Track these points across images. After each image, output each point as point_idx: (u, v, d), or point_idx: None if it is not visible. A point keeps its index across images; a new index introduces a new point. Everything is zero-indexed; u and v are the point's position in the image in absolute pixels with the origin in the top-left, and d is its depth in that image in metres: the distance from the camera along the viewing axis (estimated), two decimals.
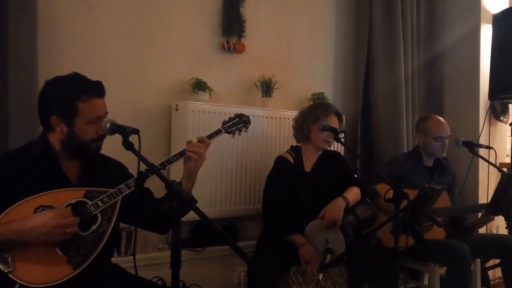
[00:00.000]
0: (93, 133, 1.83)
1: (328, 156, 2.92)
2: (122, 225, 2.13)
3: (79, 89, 1.80)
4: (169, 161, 1.94)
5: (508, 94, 3.72)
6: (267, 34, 3.39)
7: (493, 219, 3.19)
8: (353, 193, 2.76)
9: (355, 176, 3.00)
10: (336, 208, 2.59)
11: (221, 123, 2.17)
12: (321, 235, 2.60)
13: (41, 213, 1.67)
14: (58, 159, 1.84)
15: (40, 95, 1.86)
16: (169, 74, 2.95)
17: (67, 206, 1.73)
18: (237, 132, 2.20)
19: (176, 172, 2.64)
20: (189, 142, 2.00)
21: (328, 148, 2.94)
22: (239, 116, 2.21)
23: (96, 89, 1.84)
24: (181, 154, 1.97)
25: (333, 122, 2.79)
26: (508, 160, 4.12)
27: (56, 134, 1.82)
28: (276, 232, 2.72)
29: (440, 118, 3.24)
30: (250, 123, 2.23)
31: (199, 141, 2.01)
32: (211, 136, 2.07)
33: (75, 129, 1.80)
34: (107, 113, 1.88)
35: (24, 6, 2.33)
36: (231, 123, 2.18)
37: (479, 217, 3.19)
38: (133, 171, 1.76)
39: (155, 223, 2.03)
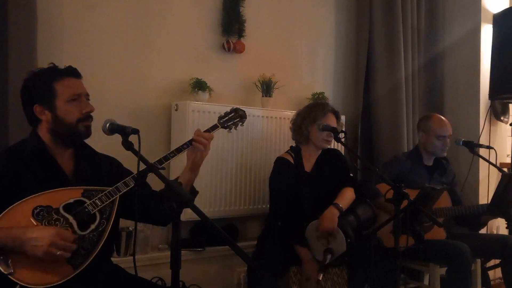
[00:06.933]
0: (78, 113, 1.83)
1: (327, 155, 2.91)
2: (121, 225, 2.12)
3: (53, 73, 1.85)
4: (166, 158, 1.92)
5: (508, 94, 3.71)
6: (267, 34, 3.38)
7: None
8: (346, 197, 2.76)
9: (351, 175, 2.99)
10: (330, 218, 2.59)
11: (217, 118, 2.16)
12: None
13: (43, 227, 1.66)
14: (51, 153, 1.84)
15: (20, 91, 1.87)
16: (169, 74, 2.95)
17: (65, 205, 1.72)
18: (233, 126, 2.17)
19: (177, 171, 2.63)
20: (198, 131, 2.01)
21: (328, 147, 2.93)
22: (235, 110, 2.19)
23: (70, 71, 1.88)
24: (189, 143, 1.97)
25: (331, 120, 2.80)
26: (508, 160, 4.11)
27: (43, 124, 1.83)
28: (286, 234, 2.69)
29: (442, 117, 3.25)
30: (246, 117, 2.21)
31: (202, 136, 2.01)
32: (207, 131, 2.06)
33: (58, 112, 1.80)
34: (87, 94, 1.89)
35: (24, 6, 2.33)
36: (227, 117, 2.16)
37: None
38: (132, 170, 1.76)
39: (156, 216, 2.02)
